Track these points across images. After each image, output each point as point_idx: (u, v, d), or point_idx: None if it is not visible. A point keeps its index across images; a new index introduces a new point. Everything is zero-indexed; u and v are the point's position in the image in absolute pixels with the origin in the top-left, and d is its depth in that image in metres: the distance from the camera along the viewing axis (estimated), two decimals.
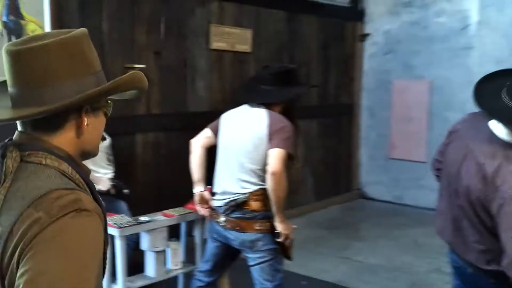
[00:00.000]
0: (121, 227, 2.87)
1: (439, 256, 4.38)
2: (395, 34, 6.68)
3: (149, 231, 3.04)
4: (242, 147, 2.73)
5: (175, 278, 3.40)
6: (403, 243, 5.31)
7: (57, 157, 1.15)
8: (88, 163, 3.74)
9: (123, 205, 3.71)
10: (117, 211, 3.51)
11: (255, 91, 2.88)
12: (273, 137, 2.65)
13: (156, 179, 4.71)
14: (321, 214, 6.37)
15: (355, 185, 7.16)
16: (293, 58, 5.96)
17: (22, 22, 3.69)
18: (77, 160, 1.22)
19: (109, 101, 1.29)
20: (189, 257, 3.38)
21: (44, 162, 1.13)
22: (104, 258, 1.18)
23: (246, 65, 5.43)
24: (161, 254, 3.12)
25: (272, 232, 2.71)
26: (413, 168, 6.58)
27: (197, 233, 3.33)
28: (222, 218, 2.75)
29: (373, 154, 7.05)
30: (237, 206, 2.68)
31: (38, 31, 3.82)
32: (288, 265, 2.94)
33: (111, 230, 2.88)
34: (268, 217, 2.70)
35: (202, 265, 3.00)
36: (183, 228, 3.37)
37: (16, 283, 0.97)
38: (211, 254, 2.95)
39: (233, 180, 2.75)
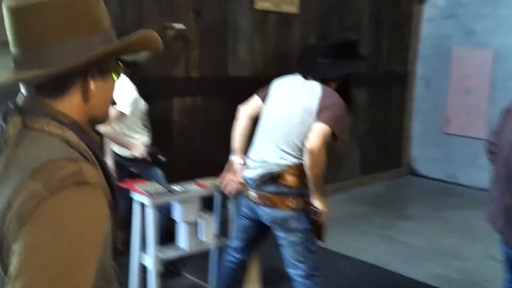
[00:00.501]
0: (152, 196, 2.88)
1: (493, 242, 4.26)
2: None
3: (181, 201, 3.05)
4: (288, 118, 2.69)
5: (207, 251, 3.42)
6: (453, 225, 5.21)
7: (61, 123, 1.12)
8: (122, 128, 3.78)
9: (158, 172, 3.75)
10: (151, 178, 3.55)
11: (312, 63, 2.82)
12: (321, 112, 2.60)
13: (193, 146, 4.73)
14: (365, 190, 6.30)
15: (405, 160, 7.03)
16: (342, 21, 5.82)
17: None
18: (85, 128, 1.18)
19: (120, 63, 1.24)
20: (223, 230, 3.38)
21: (46, 129, 1.10)
22: (115, 235, 1.16)
23: (292, 28, 5.33)
24: (193, 226, 3.13)
25: (306, 210, 2.67)
26: (469, 145, 6.41)
27: (231, 205, 3.33)
28: (253, 193, 2.72)
29: (426, 127, 6.88)
30: (272, 178, 2.64)
31: None
32: (326, 243, 2.90)
33: (141, 198, 2.91)
34: (303, 195, 2.66)
35: (233, 241, 3.00)
36: (217, 199, 3.38)
37: (10, 258, 0.97)
38: (240, 231, 2.95)
39: (273, 149, 2.71)
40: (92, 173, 1.05)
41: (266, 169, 2.68)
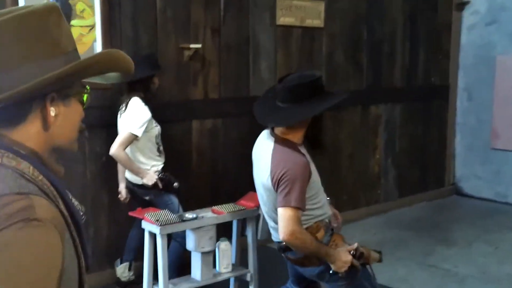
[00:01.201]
0: (162, 225, 2.97)
1: None
2: (500, 0, 6.37)
3: (195, 229, 3.13)
4: (260, 194, 2.77)
5: (226, 282, 3.48)
6: (504, 250, 5.09)
7: (17, 155, 1.09)
8: (137, 155, 3.88)
9: (174, 199, 3.83)
10: (165, 206, 3.65)
11: (271, 108, 2.70)
12: (277, 190, 2.57)
13: (213, 170, 4.81)
14: (404, 213, 6.25)
15: (448, 179, 6.96)
16: (373, 33, 5.85)
17: (71, 1, 3.88)
18: (46, 158, 1.15)
19: (87, 87, 1.23)
20: (242, 260, 3.44)
21: (0, 161, 1.07)
22: (81, 274, 1.15)
23: (317, 42, 5.40)
24: (208, 256, 3.20)
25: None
26: None
27: (249, 232, 3.39)
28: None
29: (471, 143, 6.80)
30: (285, 248, 2.71)
31: (87, 12, 4.00)
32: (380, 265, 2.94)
33: (151, 227, 2.99)
34: None
35: (290, 281, 3.07)
36: (234, 227, 3.44)
37: None
38: (291, 273, 3.02)
39: (270, 226, 2.82)
40: (45, 208, 1.03)
41: (277, 241, 2.77)
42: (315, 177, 2.66)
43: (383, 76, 6.04)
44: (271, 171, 2.59)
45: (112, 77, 1.27)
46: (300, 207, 2.53)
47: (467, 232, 5.63)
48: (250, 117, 4.93)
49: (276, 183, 2.56)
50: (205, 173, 4.77)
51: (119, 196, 4.06)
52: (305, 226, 2.61)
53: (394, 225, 5.83)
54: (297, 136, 2.68)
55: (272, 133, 2.72)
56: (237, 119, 4.84)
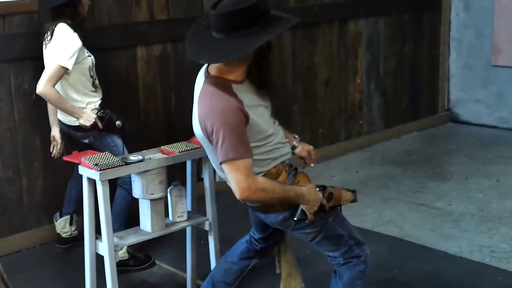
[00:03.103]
0: (102, 169, 3.04)
1: None
2: None
3: (142, 173, 3.19)
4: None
5: (181, 233, 3.60)
6: (506, 184, 5.26)
7: None
8: (70, 92, 3.90)
9: (117, 141, 3.89)
10: (108, 149, 3.72)
11: (204, 41, 2.60)
12: (212, 143, 2.59)
13: (164, 105, 4.90)
14: (391, 146, 6.41)
15: (442, 105, 7.12)
16: None
17: None
18: None
19: None
20: (198, 207, 3.55)
21: None
22: None
23: None
24: (159, 203, 3.25)
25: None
26: None
27: (206, 174, 3.47)
28: None
29: (469, 61, 6.93)
30: None
31: None
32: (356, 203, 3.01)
33: (89, 173, 3.06)
34: None
35: (252, 229, 3.17)
36: (189, 169, 3.52)
37: None
38: (253, 220, 3.10)
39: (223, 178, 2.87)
40: None
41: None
42: (261, 119, 2.66)
43: None
44: (199, 121, 2.61)
45: None
46: (242, 157, 2.53)
47: (464, 164, 5.80)
48: None
49: (208, 136, 2.59)
50: (154, 109, 4.85)
51: (53, 143, 4.12)
52: (262, 174, 2.68)
53: (379, 161, 6.00)
54: (236, 73, 2.63)
55: (206, 70, 2.69)
56: None
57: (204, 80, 2.65)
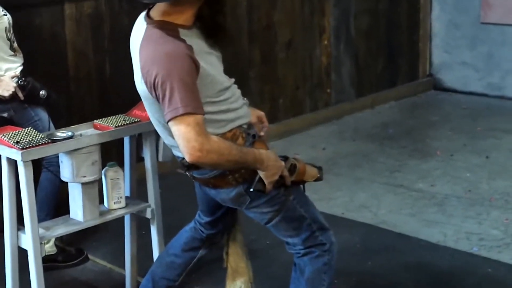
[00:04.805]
0: (24, 148, 3.02)
1: None
2: None
3: (71, 152, 3.17)
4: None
5: (119, 222, 3.61)
6: (497, 161, 5.37)
7: None
8: None
9: (42, 114, 3.88)
10: (31, 124, 3.68)
11: None
12: (157, 99, 2.59)
13: (98, 72, 4.89)
14: (363, 118, 6.50)
15: (423, 69, 7.23)
16: None
17: None
18: None
19: None
20: (139, 191, 3.56)
21: None
22: None
23: None
24: (92, 187, 3.23)
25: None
26: None
27: (148, 153, 3.48)
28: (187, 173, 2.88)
29: (455, 18, 7.03)
30: (190, 166, 2.77)
31: None
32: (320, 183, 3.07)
33: (10, 153, 3.04)
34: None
35: (199, 212, 3.20)
36: (127, 147, 3.52)
37: None
38: (200, 199, 3.13)
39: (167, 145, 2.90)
40: None
41: (178, 157, 2.83)
42: (214, 69, 2.68)
43: None
44: (141, 72, 2.60)
45: None
46: (194, 112, 2.53)
47: (449, 139, 5.91)
48: None
49: (152, 89, 2.57)
50: (86, 77, 4.84)
51: None
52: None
53: (350, 136, 6.07)
54: (184, 17, 2.64)
55: (147, 15, 2.70)
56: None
57: (146, 27, 2.64)
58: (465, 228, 4.28)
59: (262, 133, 3.03)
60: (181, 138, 2.55)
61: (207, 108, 2.63)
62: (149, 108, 2.75)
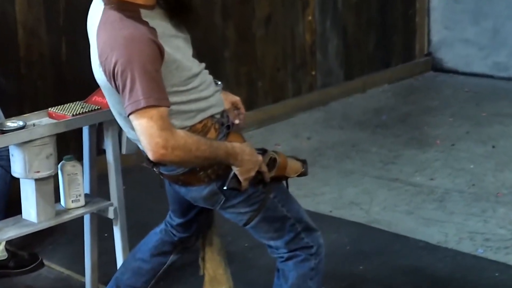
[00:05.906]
0: None
1: None
2: None
3: (23, 145, 3.17)
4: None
5: (78, 222, 3.60)
6: (504, 150, 5.41)
7: None
8: None
9: None
10: None
11: None
12: (116, 89, 2.58)
13: (53, 55, 4.87)
14: (353, 104, 6.53)
15: (421, 48, 7.26)
16: None
17: None
18: None
19: None
20: (100, 188, 3.56)
21: None
22: None
23: None
24: (47, 184, 3.24)
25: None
26: None
27: (109, 145, 3.47)
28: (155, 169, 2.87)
29: None
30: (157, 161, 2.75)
31: None
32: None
33: None
34: None
35: (170, 213, 3.19)
36: (86, 138, 3.51)
37: None
38: (171, 199, 3.13)
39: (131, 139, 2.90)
40: None
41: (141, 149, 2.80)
42: (180, 53, 2.67)
43: None
44: (99, 60, 2.58)
45: None
46: (157, 104, 2.52)
47: (450, 126, 5.94)
48: None
49: (111, 79, 2.55)
50: (39, 59, 4.82)
51: None
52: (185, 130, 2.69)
53: (338, 123, 6.09)
54: None
55: None
56: None
57: (104, 8, 2.62)
58: (469, 227, 4.30)
59: (237, 121, 3.00)
60: (143, 134, 2.53)
61: (174, 98, 2.62)
62: (109, 99, 2.75)
